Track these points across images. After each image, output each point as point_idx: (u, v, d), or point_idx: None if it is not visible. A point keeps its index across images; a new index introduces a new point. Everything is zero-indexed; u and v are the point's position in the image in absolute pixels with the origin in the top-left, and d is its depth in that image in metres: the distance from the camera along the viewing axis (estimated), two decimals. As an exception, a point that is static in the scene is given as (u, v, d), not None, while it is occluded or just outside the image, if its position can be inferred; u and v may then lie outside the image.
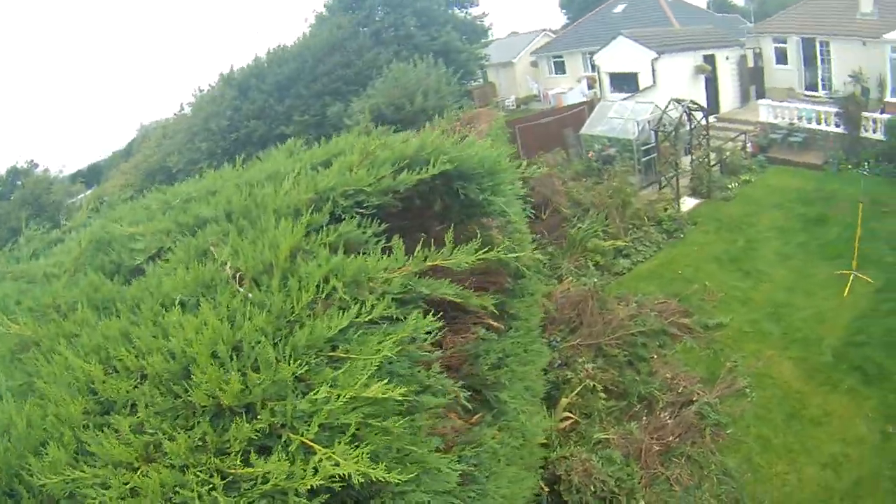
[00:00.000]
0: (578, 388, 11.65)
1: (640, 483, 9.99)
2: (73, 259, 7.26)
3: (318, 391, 3.61)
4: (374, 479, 3.40)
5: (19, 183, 43.45)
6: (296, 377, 3.76)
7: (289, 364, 3.77)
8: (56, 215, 29.17)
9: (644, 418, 11.54)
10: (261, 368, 3.80)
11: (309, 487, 3.34)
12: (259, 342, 3.93)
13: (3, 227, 34.49)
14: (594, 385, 11.79)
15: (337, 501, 3.43)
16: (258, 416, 3.61)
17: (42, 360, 4.56)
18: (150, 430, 3.69)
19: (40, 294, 5.99)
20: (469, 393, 5.13)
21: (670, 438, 10.94)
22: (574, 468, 9.71)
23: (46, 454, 3.63)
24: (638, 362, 12.99)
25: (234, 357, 3.91)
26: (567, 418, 11.07)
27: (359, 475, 3.31)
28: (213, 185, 7.57)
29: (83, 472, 3.48)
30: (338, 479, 3.35)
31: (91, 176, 58.32)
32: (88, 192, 44.48)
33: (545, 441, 9.01)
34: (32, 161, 45.98)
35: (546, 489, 9.41)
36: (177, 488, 3.33)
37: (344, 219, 5.39)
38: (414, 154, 6.25)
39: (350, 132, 9.62)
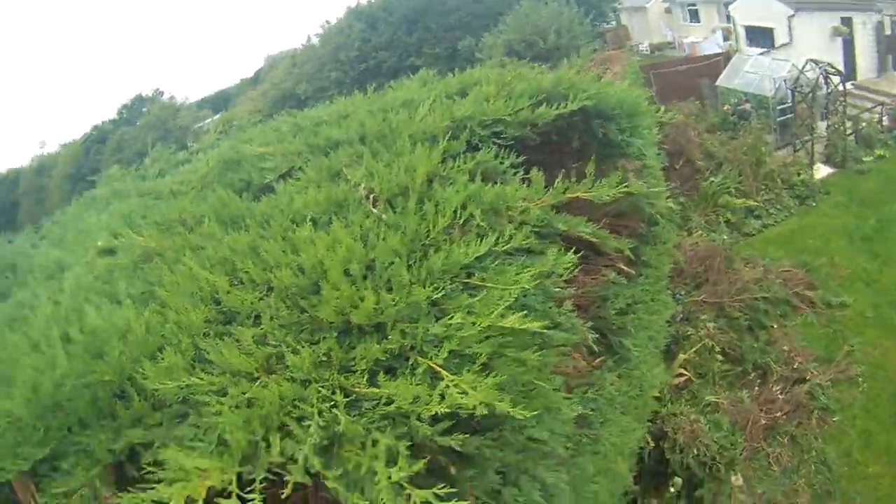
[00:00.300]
0: (697, 346, 11.30)
1: (741, 455, 9.64)
2: (200, 177, 7.42)
3: (452, 316, 3.48)
4: (497, 413, 3.26)
5: (145, 110, 45.44)
6: (430, 301, 3.64)
7: (423, 287, 3.66)
8: (183, 139, 30.27)
9: (756, 388, 11.11)
10: (394, 289, 3.71)
11: (433, 414, 3.22)
12: (392, 263, 3.85)
13: (129, 151, 36.17)
14: (712, 345, 11.40)
15: (457, 428, 3.30)
16: (388, 337, 3.51)
17: (165, 270, 4.61)
18: (274, 343, 3.64)
19: (166, 209, 6.11)
20: (595, 335, 4.95)
21: (778, 415, 10.50)
22: (682, 427, 9.46)
23: (162, 360, 3.64)
24: (758, 329, 12.43)
25: (367, 276, 3.83)
26: (681, 375, 10.77)
27: (483, 407, 3.17)
28: (344, 111, 7.56)
29: (200, 378, 3.46)
30: (462, 407, 3.21)
31: (218, 103, 60.37)
32: (216, 117, 45.91)
33: (658, 395, 8.80)
34: (158, 89, 48.00)
35: (651, 444, 9.20)
36: (296, 402, 3.25)
37: (481, 148, 5.24)
38: (551, 88, 6.06)
39: (483, 65, 9.42)
